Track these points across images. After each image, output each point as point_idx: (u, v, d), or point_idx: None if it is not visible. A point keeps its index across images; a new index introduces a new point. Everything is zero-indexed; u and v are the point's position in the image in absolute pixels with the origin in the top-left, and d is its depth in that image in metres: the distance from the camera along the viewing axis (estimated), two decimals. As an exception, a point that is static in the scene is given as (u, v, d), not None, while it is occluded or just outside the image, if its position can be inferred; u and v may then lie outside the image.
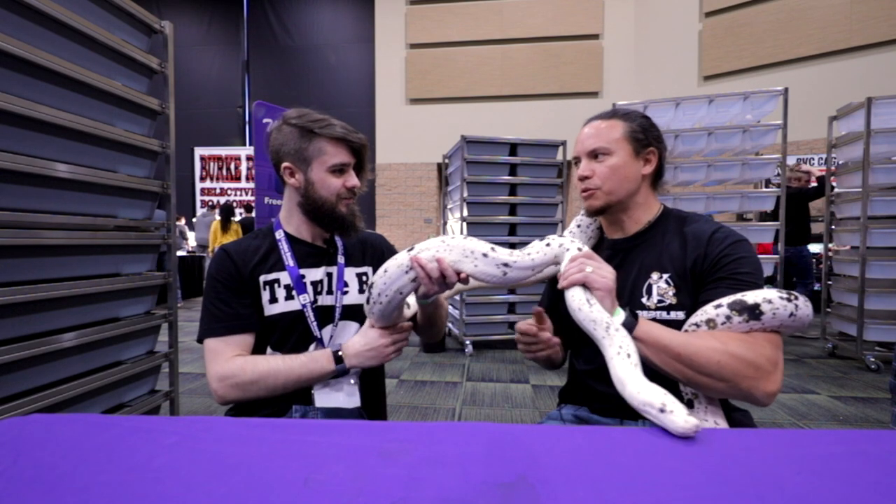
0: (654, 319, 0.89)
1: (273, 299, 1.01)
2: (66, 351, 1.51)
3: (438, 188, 9.43)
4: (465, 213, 3.90)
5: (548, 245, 0.85)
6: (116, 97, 1.69)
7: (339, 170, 1.02)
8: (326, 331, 1.03)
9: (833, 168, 3.87)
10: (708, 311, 0.81)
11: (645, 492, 0.44)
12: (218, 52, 10.34)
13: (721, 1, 7.98)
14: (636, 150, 0.96)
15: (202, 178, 10.25)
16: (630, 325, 0.79)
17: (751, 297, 0.79)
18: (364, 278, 1.11)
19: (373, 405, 1.11)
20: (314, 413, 0.97)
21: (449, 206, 4.53)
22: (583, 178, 0.98)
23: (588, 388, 1.03)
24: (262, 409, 0.98)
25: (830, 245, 3.98)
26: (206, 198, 10.18)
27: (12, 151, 1.32)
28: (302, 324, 1.02)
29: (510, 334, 4.05)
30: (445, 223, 4.80)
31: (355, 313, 1.06)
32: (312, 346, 1.02)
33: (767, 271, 3.86)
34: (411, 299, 1.02)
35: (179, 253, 7.37)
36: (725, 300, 0.80)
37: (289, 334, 1.01)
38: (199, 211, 9.46)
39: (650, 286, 0.93)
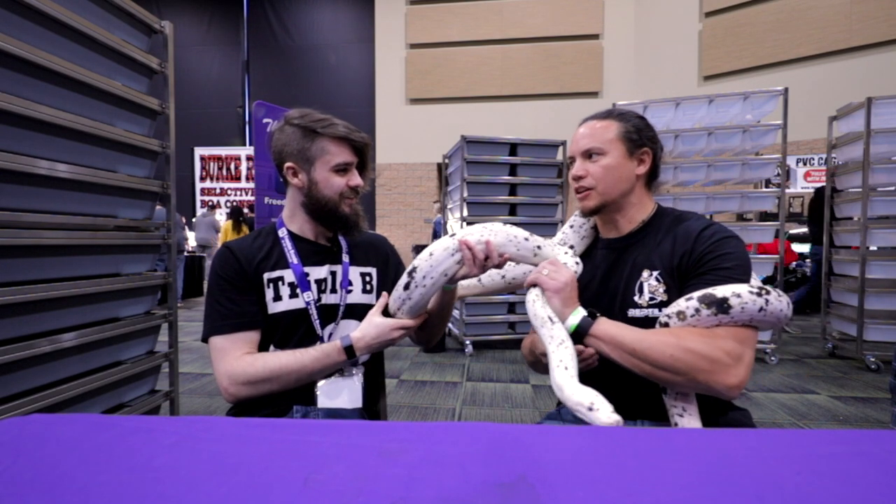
0: (646, 317, 0.91)
1: (277, 297, 1.01)
2: (66, 351, 1.51)
3: (438, 188, 9.43)
4: (465, 213, 3.90)
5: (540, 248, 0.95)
6: (116, 97, 1.69)
7: (342, 169, 1.02)
8: (327, 329, 1.03)
9: (833, 168, 3.87)
10: (680, 303, 0.83)
11: (645, 492, 0.44)
12: (218, 52, 10.35)
13: (721, 1, 7.98)
14: (630, 150, 0.97)
15: (202, 178, 10.26)
16: (587, 325, 0.85)
17: (720, 291, 0.80)
18: (368, 278, 1.11)
19: (373, 406, 1.11)
20: (315, 413, 0.97)
21: (449, 206, 4.53)
22: (577, 178, 0.99)
23: None
24: (263, 409, 0.98)
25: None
26: (206, 198, 10.19)
27: (12, 151, 1.32)
28: (305, 322, 1.02)
29: (510, 334, 4.05)
30: (445, 223, 4.79)
31: (357, 312, 1.06)
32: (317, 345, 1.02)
33: (767, 271, 3.87)
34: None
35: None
36: (697, 294, 0.82)
37: (292, 332, 1.01)
38: (199, 211, 9.46)
39: (641, 284, 0.93)
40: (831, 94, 6.13)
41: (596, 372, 0.89)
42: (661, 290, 0.91)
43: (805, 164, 7.67)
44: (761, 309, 0.78)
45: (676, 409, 0.85)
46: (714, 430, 0.60)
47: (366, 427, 0.58)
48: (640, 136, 0.98)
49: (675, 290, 0.90)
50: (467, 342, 3.91)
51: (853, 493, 0.43)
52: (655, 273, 0.93)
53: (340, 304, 1.05)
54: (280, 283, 1.02)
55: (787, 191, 4.16)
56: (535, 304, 0.87)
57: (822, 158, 7.33)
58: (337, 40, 10.06)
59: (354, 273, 1.09)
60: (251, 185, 9.81)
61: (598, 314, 0.88)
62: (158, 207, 2.03)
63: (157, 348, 1.97)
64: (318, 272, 1.05)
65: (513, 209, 4.05)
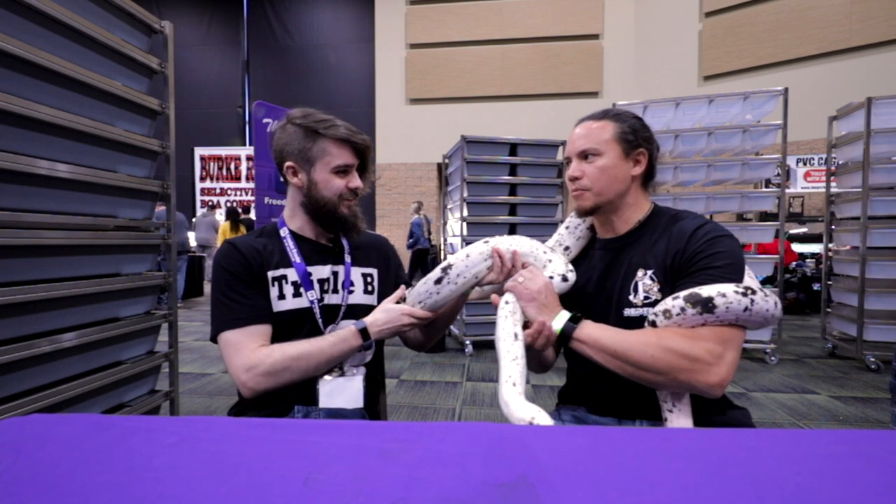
0: (641, 316, 0.91)
1: (281, 296, 1.01)
2: (66, 351, 1.51)
3: (438, 188, 9.43)
4: (465, 213, 3.90)
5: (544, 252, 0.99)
6: (116, 97, 1.69)
7: (342, 171, 1.02)
8: (328, 329, 1.03)
9: (833, 168, 3.87)
10: (666, 302, 0.83)
11: (645, 492, 0.44)
12: (218, 52, 10.35)
13: (721, 1, 7.98)
14: (626, 151, 0.97)
15: (202, 178, 10.25)
16: (570, 329, 0.86)
17: (706, 290, 0.80)
18: (369, 279, 1.11)
19: (374, 406, 1.11)
20: (317, 413, 0.97)
21: (449, 206, 4.53)
22: (573, 179, 0.99)
23: (585, 389, 1.04)
24: (265, 408, 0.98)
25: (830, 245, 3.98)
26: (206, 198, 10.18)
27: (12, 151, 1.32)
28: (309, 321, 1.01)
29: (510, 334, 4.03)
30: (445, 223, 4.79)
31: (358, 313, 1.06)
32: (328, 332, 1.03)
33: (767, 271, 3.86)
34: None
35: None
36: (683, 292, 0.82)
37: (295, 332, 1.01)
38: (199, 211, 9.46)
39: (636, 283, 0.93)
40: (831, 94, 6.13)
41: (596, 372, 0.89)
42: (656, 289, 0.91)
43: (805, 164, 7.66)
44: (746, 309, 0.78)
45: (667, 405, 0.86)
46: (714, 430, 0.60)
47: (366, 427, 0.58)
48: (636, 136, 0.98)
49: (669, 289, 0.90)
50: (467, 342, 3.91)
51: (853, 493, 0.43)
52: (650, 272, 0.93)
53: (342, 304, 1.05)
54: (283, 281, 1.01)
55: (787, 191, 4.16)
56: (507, 320, 0.89)
57: (822, 158, 7.33)
58: (337, 40, 10.06)
59: (356, 273, 1.09)
60: (251, 185, 9.81)
61: (581, 317, 0.88)
62: (161, 208, 2.03)
63: (157, 348, 1.97)
64: (320, 272, 1.05)
65: (513, 209, 4.05)
